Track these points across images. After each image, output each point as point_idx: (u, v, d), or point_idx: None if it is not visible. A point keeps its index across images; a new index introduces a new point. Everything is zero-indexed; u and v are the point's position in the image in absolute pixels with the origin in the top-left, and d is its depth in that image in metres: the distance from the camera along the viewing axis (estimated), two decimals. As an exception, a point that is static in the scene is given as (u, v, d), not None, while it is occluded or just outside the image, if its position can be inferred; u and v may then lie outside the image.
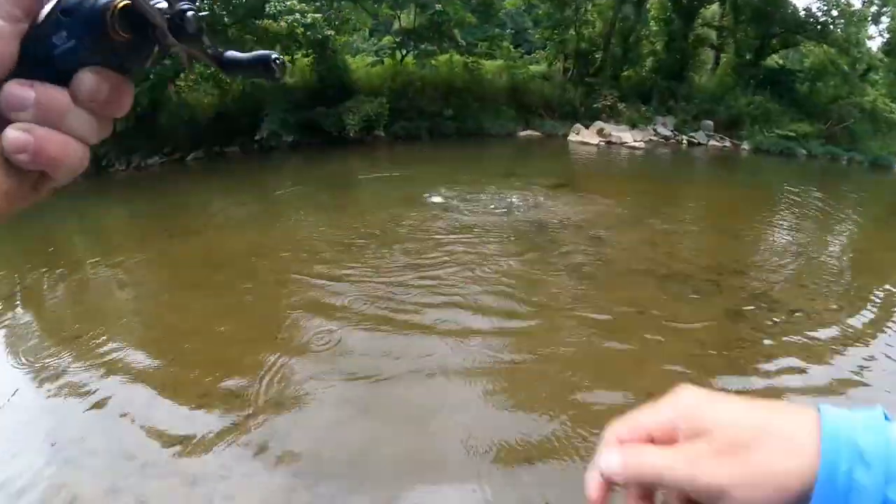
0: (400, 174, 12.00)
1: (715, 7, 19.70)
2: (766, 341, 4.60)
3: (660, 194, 11.05)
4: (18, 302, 6.09)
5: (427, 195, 9.09)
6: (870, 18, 20.99)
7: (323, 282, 5.54)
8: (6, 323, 5.47)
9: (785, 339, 4.63)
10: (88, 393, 3.89)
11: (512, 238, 7.05)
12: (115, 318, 5.43)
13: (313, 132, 13.95)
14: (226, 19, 15.48)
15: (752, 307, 5.27)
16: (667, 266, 6.25)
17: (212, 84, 15.44)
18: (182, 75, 15.64)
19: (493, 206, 8.55)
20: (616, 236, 7.39)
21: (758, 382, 3.99)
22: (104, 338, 4.83)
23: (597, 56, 16.08)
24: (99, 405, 3.73)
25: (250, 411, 3.54)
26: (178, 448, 3.27)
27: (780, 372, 4.12)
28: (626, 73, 16.50)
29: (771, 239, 8.56)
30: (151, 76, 13.89)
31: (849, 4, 19.31)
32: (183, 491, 2.97)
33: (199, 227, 8.65)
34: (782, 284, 6.00)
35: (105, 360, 4.38)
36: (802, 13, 19.97)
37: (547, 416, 3.42)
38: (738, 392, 3.70)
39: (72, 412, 3.70)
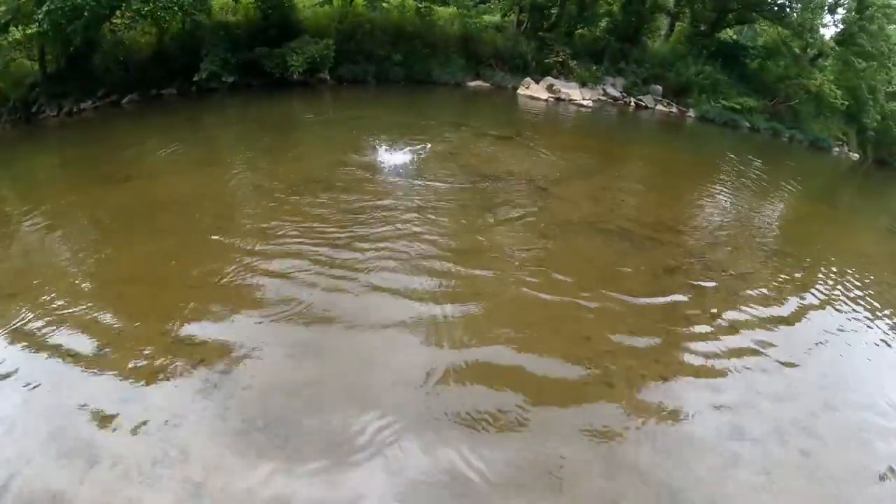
0: (344, 118, 11.75)
1: (675, -26, 19.88)
2: (696, 297, 4.81)
3: (604, 152, 11.21)
4: None
5: (372, 139, 8.95)
6: (826, 7, 21.67)
7: (264, 226, 5.44)
8: None
9: (715, 294, 4.91)
10: (35, 345, 3.75)
11: (457, 186, 7.03)
12: (51, 269, 5.18)
13: (255, 73, 13.43)
14: (166, -48, 14.60)
15: (687, 263, 5.51)
16: (608, 220, 6.41)
17: (150, 21, 14.59)
18: (118, 12, 14.72)
19: (439, 152, 8.49)
20: (560, 189, 7.48)
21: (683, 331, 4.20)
22: (45, 290, 4.61)
23: (552, 11, 15.96)
24: (49, 354, 3.62)
25: (200, 358, 3.50)
26: (128, 396, 3.21)
27: (706, 322, 4.38)
28: (580, 31, 16.49)
29: (709, 202, 8.89)
30: (86, 13, 12.98)
31: (808, -10, 19.83)
32: (133, 441, 2.89)
33: (134, 173, 8.31)
34: (716, 245, 6.29)
35: (49, 312, 4.21)
36: (761, -10, 20.35)
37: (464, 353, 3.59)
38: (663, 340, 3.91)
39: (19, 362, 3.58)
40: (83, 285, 4.72)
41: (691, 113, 17.91)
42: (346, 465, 2.75)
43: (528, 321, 4.09)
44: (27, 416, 3.11)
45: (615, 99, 15.79)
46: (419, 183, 6.92)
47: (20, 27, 15.66)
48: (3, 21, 15.65)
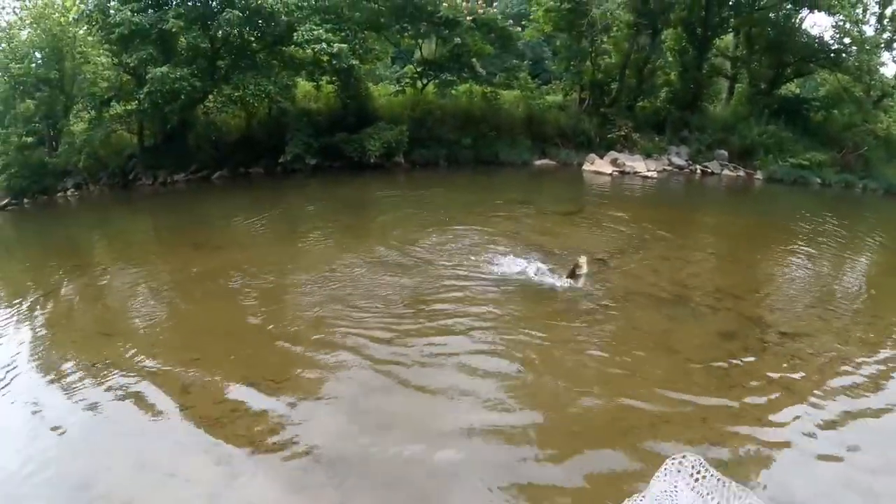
0: (417, 199, 12.44)
1: (729, 38, 19.96)
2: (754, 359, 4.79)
3: (668, 222, 11.24)
4: (51, 305, 6.66)
5: (442, 217, 9.52)
6: (882, 45, 21.01)
7: (344, 293, 6.01)
8: (41, 323, 6.04)
9: (772, 359, 4.84)
10: (121, 388, 4.37)
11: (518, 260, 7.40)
12: (143, 317, 5.98)
13: (335, 156, 14.47)
14: (254, 44, 16.16)
15: (746, 329, 5.49)
16: (666, 290, 6.53)
17: (239, 106, 16.07)
18: (211, 97, 16.32)
19: (503, 230, 8.89)
20: (619, 261, 7.70)
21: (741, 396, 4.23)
22: (138, 334, 5.42)
23: (612, 87, 16.43)
24: (130, 397, 4.23)
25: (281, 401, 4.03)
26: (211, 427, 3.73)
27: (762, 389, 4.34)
28: (640, 104, 16.81)
29: (776, 265, 8.77)
30: (182, 96, 14.52)
31: (861, 32, 19.42)
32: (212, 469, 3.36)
33: (221, 242, 9.20)
34: (778, 308, 6.20)
35: (138, 352, 4.91)
36: (816, 42, 20.10)
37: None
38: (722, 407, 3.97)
39: (108, 405, 4.18)
40: (169, 334, 5.46)
41: (759, 175, 17.64)
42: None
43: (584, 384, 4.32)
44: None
45: (681, 168, 15.87)
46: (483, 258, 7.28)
47: (121, 103, 17.61)
48: (106, 96, 17.66)
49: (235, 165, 15.64)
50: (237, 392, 4.21)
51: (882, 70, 22.54)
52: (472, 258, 7.34)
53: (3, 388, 4.57)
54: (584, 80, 16.09)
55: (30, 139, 18.59)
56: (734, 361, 4.74)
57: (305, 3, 15.62)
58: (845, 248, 10.24)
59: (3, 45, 18.18)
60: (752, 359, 4.83)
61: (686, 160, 16.08)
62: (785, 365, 4.76)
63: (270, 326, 5.42)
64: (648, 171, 15.10)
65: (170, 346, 5.14)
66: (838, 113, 21.82)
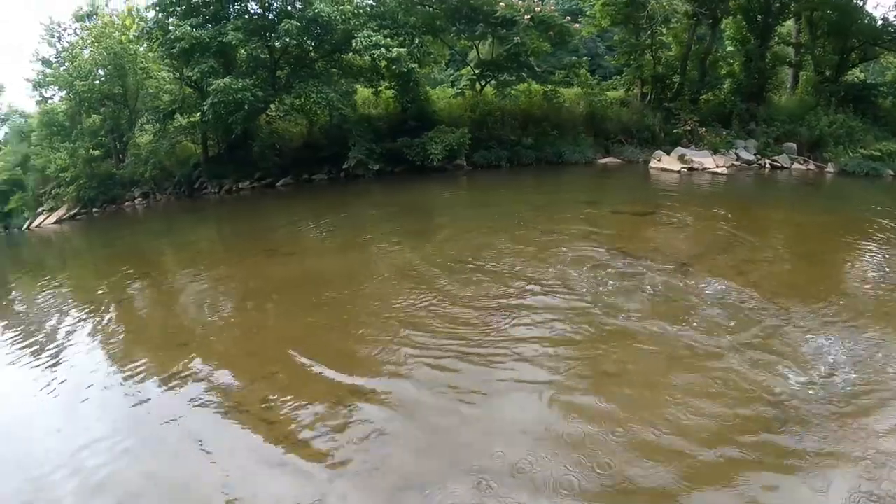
0: (480, 202, 12.34)
1: (790, 24, 19.16)
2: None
3: (745, 221, 10.88)
4: (124, 313, 6.77)
5: (509, 220, 9.28)
6: None
7: (426, 301, 5.80)
8: (116, 332, 6.12)
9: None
10: (199, 400, 4.30)
11: (594, 266, 7.16)
12: (217, 325, 5.96)
13: (397, 161, 14.53)
14: (313, 53, 16.40)
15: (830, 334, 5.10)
16: (748, 294, 6.21)
17: (300, 114, 16.35)
18: (273, 106, 16.66)
19: (576, 232, 8.61)
20: (702, 265, 7.38)
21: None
22: (212, 342, 5.39)
23: (674, 80, 15.98)
24: (209, 411, 4.16)
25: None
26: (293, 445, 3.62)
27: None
28: (704, 97, 16.30)
29: (856, 265, 8.30)
30: (245, 106, 14.85)
31: (928, 11, 18.25)
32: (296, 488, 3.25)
33: (289, 248, 9.22)
34: (862, 313, 5.65)
35: (215, 362, 4.86)
36: (880, 23, 19.14)
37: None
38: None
39: (187, 419, 4.12)
40: (245, 343, 5.38)
41: (830, 168, 16.87)
42: None
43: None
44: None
45: (749, 162, 15.31)
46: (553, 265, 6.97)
47: (184, 115, 18.19)
48: (169, 109, 18.28)
49: (299, 172, 15.92)
50: (318, 408, 4.03)
51: (953, 49, 21.21)
52: (550, 262, 7.03)
53: (81, 400, 4.58)
54: (645, 74, 15.71)
55: (97, 152, 19.46)
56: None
57: (361, 11, 15.78)
58: None
59: (67, 63, 19.06)
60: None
61: (754, 154, 15.49)
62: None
63: (352, 338, 5.27)
64: (717, 166, 14.60)
65: (247, 358, 5.06)
66: (908, 98, 20.70)
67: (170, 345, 5.55)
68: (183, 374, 4.77)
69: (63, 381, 5.00)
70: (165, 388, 4.61)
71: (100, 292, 8.02)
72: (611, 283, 6.29)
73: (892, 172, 18.28)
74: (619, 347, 4.69)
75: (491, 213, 10.61)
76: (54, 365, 5.42)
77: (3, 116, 26.88)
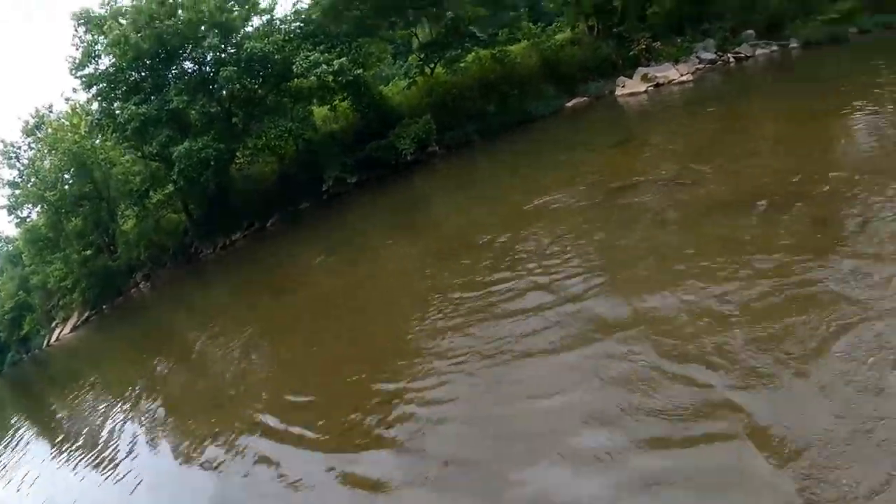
0: (462, 183, 12.20)
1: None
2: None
3: (722, 123, 10.65)
4: (159, 389, 6.87)
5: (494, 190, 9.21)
6: None
7: (445, 311, 5.46)
8: (156, 408, 6.20)
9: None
10: (249, 450, 4.30)
11: (589, 202, 7.02)
12: (263, 380, 5.86)
13: (372, 166, 14.47)
14: (259, 91, 16.42)
15: (836, 211, 4.86)
16: (744, 191, 6.02)
17: (267, 153, 16.38)
18: (238, 153, 16.71)
19: (560, 178, 8.56)
20: (689, 175, 7.20)
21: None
22: (245, 400, 5.30)
23: (616, 4, 15.73)
24: (262, 461, 4.13)
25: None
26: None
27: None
28: (651, 11, 16.03)
29: (850, 138, 8.05)
30: (212, 163, 14.89)
31: None
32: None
33: (295, 283, 9.18)
34: (863, 181, 5.32)
35: (254, 417, 4.79)
36: None
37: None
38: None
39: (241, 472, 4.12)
40: (275, 386, 5.34)
41: (794, 43, 16.54)
42: None
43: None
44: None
45: (712, 62, 15.04)
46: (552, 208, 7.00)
47: (158, 190, 18.32)
48: (143, 189, 18.41)
49: (284, 207, 15.93)
50: (356, 432, 3.97)
51: None
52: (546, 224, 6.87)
53: (137, 484, 4.61)
54: (586, 6, 15.48)
55: (88, 252, 19.63)
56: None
57: (292, 35, 15.77)
58: None
59: (33, 178, 19.29)
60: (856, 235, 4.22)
61: (715, 52, 15.22)
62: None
63: (369, 363, 5.06)
64: (682, 76, 14.36)
65: (280, 397, 5.05)
66: (854, -48, 20.26)
67: (208, 408, 5.55)
68: (226, 432, 4.74)
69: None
70: (214, 447, 4.60)
71: (131, 378, 8.17)
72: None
73: (854, 30, 17.91)
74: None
75: (479, 191, 10.46)
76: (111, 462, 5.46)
77: (-10, 248, 27.25)
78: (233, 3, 16.00)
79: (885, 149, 6.43)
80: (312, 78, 14.48)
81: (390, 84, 16.50)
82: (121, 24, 15.03)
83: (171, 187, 17.55)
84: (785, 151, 7.59)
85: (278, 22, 16.65)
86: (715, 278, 4.15)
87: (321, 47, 14.92)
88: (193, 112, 16.00)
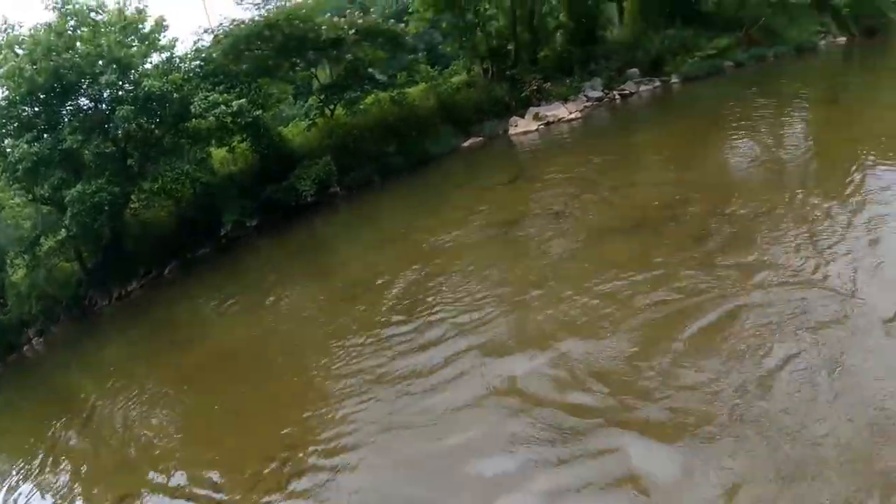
0: (363, 222, 12.40)
1: (605, -39, 20.32)
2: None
3: (604, 155, 11.52)
4: (60, 457, 6.53)
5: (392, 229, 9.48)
6: None
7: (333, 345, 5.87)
8: (58, 478, 5.95)
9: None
10: None
11: (484, 237, 7.50)
12: (152, 438, 5.85)
13: (272, 209, 14.33)
14: (157, 131, 15.89)
15: (711, 224, 5.72)
16: (629, 218, 6.68)
17: (163, 196, 15.81)
18: (133, 197, 16.02)
19: (457, 218, 9.02)
20: (576, 205, 7.88)
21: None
22: (151, 460, 5.28)
23: (509, 48, 16.63)
24: None
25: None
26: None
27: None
28: (542, 54, 17.06)
29: (722, 156, 9.00)
30: (106, 207, 14.24)
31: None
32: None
33: (197, 334, 9.05)
34: (737, 197, 6.40)
35: (162, 478, 4.80)
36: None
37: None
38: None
39: None
40: (180, 442, 5.43)
41: (674, 79, 18.03)
42: None
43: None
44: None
45: (599, 99, 16.15)
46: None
47: (49, 236, 17.17)
48: (33, 235, 17.20)
49: (182, 253, 15.37)
50: (264, 486, 4.08)
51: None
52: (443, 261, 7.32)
53: None
54: (481, 51, 16.26)
55: (-26, 307, 18.00)
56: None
57: (192, 74, 15.46)
58: (779, 115, 10.67)
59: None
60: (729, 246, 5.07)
61: (602, 91, 16.36)
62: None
63: (281, 409, 5.26)
64: (570, 113, 15.32)
65: (185, 455, 5.09)
66: (727, -5, 22.43)
67: (112, 473, 5.40)
68: (137, 495, 4.65)
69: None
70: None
71: (28, 445, 7.68)
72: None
73: (731, 64, 19.78)
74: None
75: (379, 230, 10.75)
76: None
77: None
78: (133, 38, 15.51)
79: (754, 168, 7.34)
80: (211, 119, 14.24)
81: (290, 125, 16.49)
82: (16, 55, 14.20)
83: (63, 234, 16.49)
84: (663, 176, 8.52)
85: (178, 60, 16.27)
86: (601, 298, 4.82)
87: (220, 87, 14.71)
88: (87, 152, 15.23)
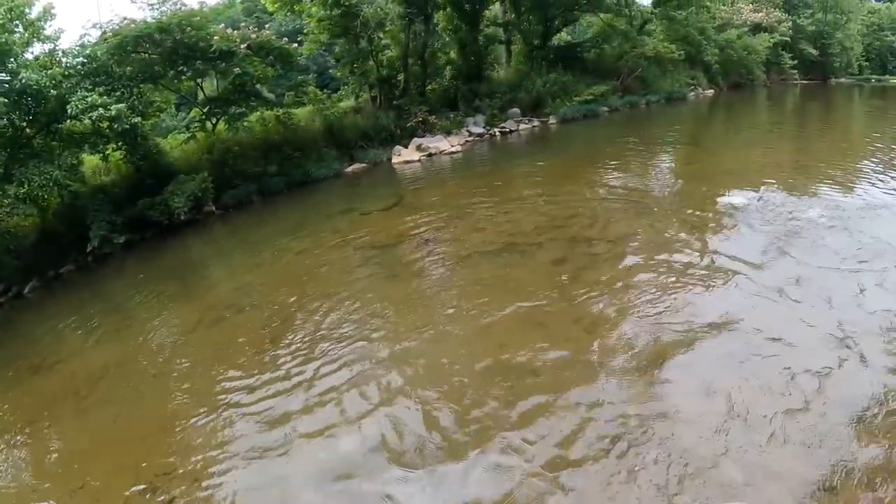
0: (239, 243, 12.48)
1: (497, 6, 22.09)
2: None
3: (483, 185, 12.72)
4: None
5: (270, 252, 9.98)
6: None
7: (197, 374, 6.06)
8: None
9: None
10: None
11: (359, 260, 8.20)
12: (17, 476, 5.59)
13: (144, 226, 13.92)
14: (28, 130, 14.81)
15: (573, 251, 6.91)
16: (495, 243, 7.74)
17: (28, 203, 14.74)
18: (-7, 203, 14.74)
19: (333, 245, 9.56)
20: (444, 233, 8.76)
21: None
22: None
23: (399, 79, 17.54)
24: None
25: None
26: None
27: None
28: (430, 87, 18.16)
29: (589, 190, 10.47)
30: (-37, 212, 13.03)
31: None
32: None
33: (56, 359, 8.57)
34: (601, 225, 7.72)
35: None
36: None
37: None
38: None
39: None
40: (40, 478, 5.26)
41: (552, 120, 19.99)
42: None
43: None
44: None
45: (481, 135, 17.52)
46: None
47: None
48: None
49: (44, 270, 14.38)
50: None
51: (638, 1, 26.32)
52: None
53: None
54: (371, 78, 17.00)
55: None
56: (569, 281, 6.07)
57: (73, 71, 14.60)
58: (647, 154, 12.56)
59: None
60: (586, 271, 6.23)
61: (484, 127, 17.80)
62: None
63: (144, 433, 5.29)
64: (452, 146, 16.50)
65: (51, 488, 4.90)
66: (609, 47, 25.24)
67: None
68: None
69: None
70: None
71: None
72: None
73: (606, 109, 22.19)
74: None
75: (251, 254, 10.82)
76: None
77: None
78: (17, 23, 14.24)
79: (620, 199, 8.65)
80: (87, 122, 13.59)
81: (169, 137, 16.14)
82: None
83: (-86, 243, 14.74)
84: (532, 205, 9.73)
85: (60, 53, 15.18)
86: (468, 319, 5.57)
87: (100, 89, 14.06)
88: (-53, 149, 13.84)
